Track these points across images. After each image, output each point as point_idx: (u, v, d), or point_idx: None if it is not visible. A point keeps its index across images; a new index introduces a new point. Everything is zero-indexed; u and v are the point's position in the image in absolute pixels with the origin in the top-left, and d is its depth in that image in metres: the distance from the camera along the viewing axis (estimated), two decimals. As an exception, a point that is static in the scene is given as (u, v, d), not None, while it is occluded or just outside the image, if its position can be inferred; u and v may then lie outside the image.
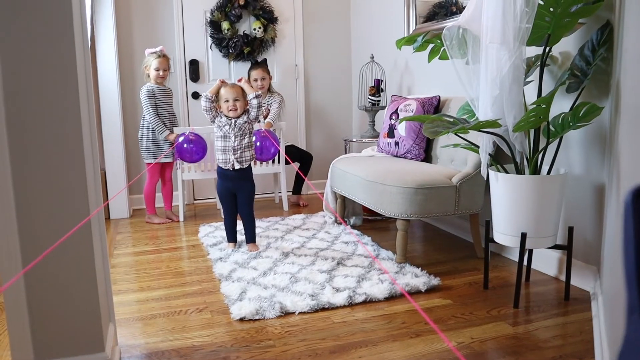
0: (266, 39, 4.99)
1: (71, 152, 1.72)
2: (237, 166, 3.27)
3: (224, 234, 3.53)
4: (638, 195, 0.33)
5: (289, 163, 4.54)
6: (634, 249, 0.32)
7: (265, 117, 4.54)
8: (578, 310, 2.38)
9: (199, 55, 4.94)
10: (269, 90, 4.70)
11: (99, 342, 1.84)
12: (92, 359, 1.82)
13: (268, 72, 4.65)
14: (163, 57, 4.22)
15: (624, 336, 0.34)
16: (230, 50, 4.90)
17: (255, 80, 4.55)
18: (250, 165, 3.34)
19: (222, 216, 3.45)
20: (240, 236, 3.53)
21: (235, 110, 3.23)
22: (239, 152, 3.27)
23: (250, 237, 3.40)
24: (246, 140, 3.29)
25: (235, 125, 3.25)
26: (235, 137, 3.25)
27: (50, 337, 1.78)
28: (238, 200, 3.36)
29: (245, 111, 3.28)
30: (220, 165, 3.31)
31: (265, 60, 4.77)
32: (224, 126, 3.25)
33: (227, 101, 3.22)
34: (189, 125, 4.89)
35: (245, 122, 3.27)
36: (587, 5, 2.26)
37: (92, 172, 1.85)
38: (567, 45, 2.61)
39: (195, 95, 4.93)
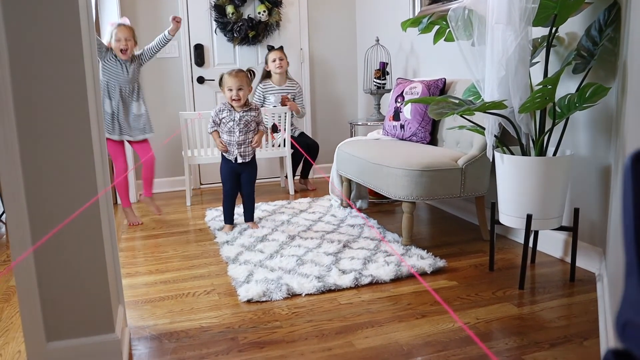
0: (271, 22, 4.97)
1: (79, 135, 1.73)
2: (239, 160, 3.33)
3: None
4: (637, 159, 0.34)
5: (297, 150, 4.55)
6: (633, 212, 0.33)
7: (284, 103, 4.61)
8: (583, 292, 2.39)
9: (204, 40, 4.93)
10: (286, 75, 4.74)
11: (109, 323, 1.87)
12: (102, 339, 1.85)
13: (285, 56, 4.69)
14: (122, 26, 3.68)
15: (622, 297, 0.35)
16: (235, 34, 4.89)
17: (274, 60, 4.59)
18: (253, 154, 3.40)
19: (223, 195, 3.49)
20: (239, 217, 3.61)
21: (239, 100, 3.24)
22: (242, 147, 3.32)
23: (251, 216, 3.50)
24: (250, 135, 3.33)
25: (240, 120, 3.28)
26: (240, 133, 3.29)
27: (61, 318, 1.81)
28: (242, 179, 3.43)
29: (252, 107, 3.31)
30: (224, 155, 3.36)
31: (281, 47, 4.78)
32: (228, 122, 3.28)
33: (230, 90, 3.23)
34: (194, 110, 4.90)
35: (252, 119, 3.30)
36: (594, -15, 2.24)
37: (99, 154, 1.87)
38: (574, 26, 2.59)
39: (201, 80, 4.93)
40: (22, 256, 1.70)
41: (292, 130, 4.69)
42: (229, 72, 3.28)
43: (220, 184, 4.99)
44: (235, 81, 3.23)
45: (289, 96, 4.65)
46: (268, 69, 4.67)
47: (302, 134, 4.83)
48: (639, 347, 0.33)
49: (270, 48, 4.73)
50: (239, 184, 3.44)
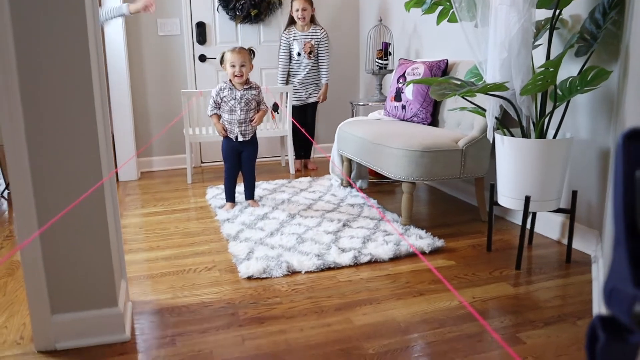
0: (273, 1, 4.94)
1: (84, 115, 1.75)
2: (240, 138, 3.35)
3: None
4: (629, 137, 0.36)
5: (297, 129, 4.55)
6: (622, 186, 0.35)
7: (308, 51, 4.56)
8: (578, 273, 2.43)
9: (206, 18, 4.90)
10: (313, 21, 4.64)
11: (112, 297, 1.90)
12: (105, 313, 1.89)
13: (311, 3, 4.57)
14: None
15: (610, 266, 0.37)
16: (237, 12, 4.86)
17: (297, 10, 4.53)
18: (254, 132, 3.41)
19: (225, 174, 3.51)
20: (239, 195, 3.64)
21: (241, 76, 3.25)
22: (243, 125, 3.34)
23: (251, 194, 3.54)
24: (251, 114, 3.35)
25: (241, 99, 3.31)
26: (241, 111, 3.31)
27: (65, 292, 1.85)
28: (243, 158, 3.46)
29: (252, 85, 3.32)
30: (233, 138, 3.39)
31: None
32: (229, 101, 3.30)
33: (233, 66, 3.24)
34: (196, 88, 4.89)
35: (253, 97, 3.31)
36: (598, -33, 2.24)
37: (103, 135, 1.88)
38: (578, 8, 2.58)
39: (202, 58, 4.92)
40: (28, 240, 1.73)
41: (304, 98, 4.69)
42: (231, 49, 3.28)
43: (222, 163, 5.02)
44: (239, 57, 3.24)
45: (313, 42, 4.58)
46: (292, 15, 4.61)
47: (312, 106, 4.80)
48: (622, 312, 0.35)
49: None
50: (239, 162, 3.46)
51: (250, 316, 2.07)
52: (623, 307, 0.36)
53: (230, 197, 3.51)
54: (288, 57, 4.62)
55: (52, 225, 1.77)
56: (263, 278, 2.41)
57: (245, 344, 1.88)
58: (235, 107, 3.31)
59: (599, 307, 1.94)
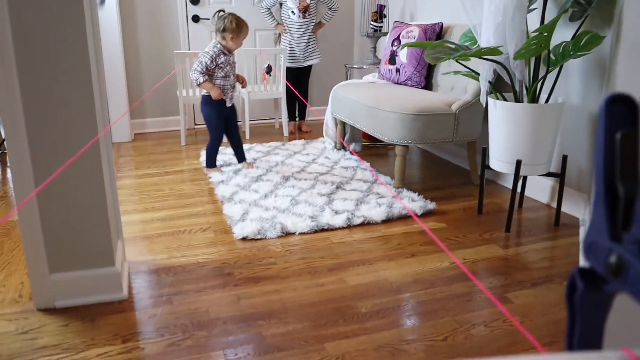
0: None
1: (79, 73, 1.75)
2: (228, 104, 3.41)
3: (225, 157, 3.68)
4: (611, 101, 0.39)
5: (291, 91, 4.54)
6: (603, 148, 0.38)
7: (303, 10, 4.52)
8: (566, 235, 2.48)
9: (198, -24, 4.82)
10: None
11: (109, 256, 1.94)
12: (103, 272, 1.93)
13: None
14: None
15: (590, 222, 0.40)
16: (231, -28, 4.78)
17: None
18: None
19: (211, 140, 3.51)
20: (232, 157, 3.66)
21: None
22: (232, 90, 3.46)
23: (244, 156, 3.59)
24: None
25: (234, 64, 3.41)
26: (232, 76, 3.41)
27: (63, 251, 1.88)
28: (229, 122, 3.49)
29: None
30: (214, 100, 3.38)
31: None
32: (225, 66, 3.32)
33: (243, 40, 3.37)
34: (189, 49, 4.85)
35: (235, 61, 3.44)
36: None
37: (98, 92, 1.88)
38: (574, -28, 2.57)
39: (196, 19, 4.86)
40: (24, 201, 1.75)
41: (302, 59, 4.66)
42: (242, 23, 3.30)
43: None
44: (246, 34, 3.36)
45: (308, 0, 4.50)
46: None
47: (307, 69, 4.77)
48: (599, 263, 0.38)
49: None
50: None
51: (246, 276, 2.12)
52: (600, 259, 0.39)
53: (214, 162, 3.53)
54: (277, 4, 4.59)
55: (49, 185, 1.78)
56: (257, 239, 2.45)
57: (240, 302, 1.93)
58: (229, 72, 3.36)
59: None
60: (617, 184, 0.38)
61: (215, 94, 3.33)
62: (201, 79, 3.29)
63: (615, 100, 0.38)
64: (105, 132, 1.90)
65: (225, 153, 3.83)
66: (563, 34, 2.58)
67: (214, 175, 3.39)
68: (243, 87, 3.57)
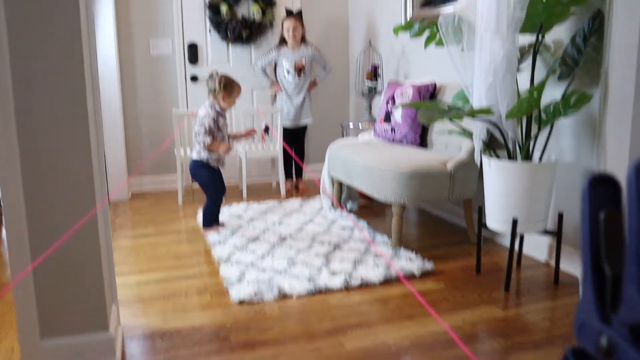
0: (264, 22, 5.00)
1: (78, 140, 1.77)
2: (223, 167, 3.51)
3: (222, 217, 3.68)
4: (594, 182, 0.39)
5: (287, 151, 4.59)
6: (588, 227, 0.38)
7: (298, 69, 4.67)
8: (566, 294, 2.46)
9: (198, 38, 4.95)
10: (303, 40, 4.71)
11: (103, 321, 1.90)
12: (96, 337, 1.89)
13: (301, 23, 4.66)
14: None
15: (579, 301, 0.40)
16: (229, 34, 4.91)
17: (288, 30, 4.60)
18: None
19: (213, 201, 3.53)
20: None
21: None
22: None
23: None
24: None
25: (228, 123, 3.52)
26: (227, 135, 3.50)
27: (56, 315, 1.84)
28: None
29: None
30: (214, 163, 3.44)
31: (300, 12, 4.72)
32: (223, 127, 3.46)
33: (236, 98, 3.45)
34: (187, 108, 4.92)
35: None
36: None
37: (97, 159, 1.90)
38: (560, 34, 2.65)
39: (194, 78, 4.96)
40: (20, 275, 1.73)
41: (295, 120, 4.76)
42: (234, 83, 3.39)
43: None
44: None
45: (303, 61, 4.65)
46: (283, 35, 4.67)
47: (303, 129, 4.87)
48: (591, 345, 0.38)
49: (288, 13, 4.67)
50: None
51: (242, 341, 2.07)
52: (590, 340, 0.38)
53: (218, 219, 3.54)
54: (272, 64, 4.73)
55: (44, 249, 1.77)
56: (254, 302, 2.42)
57: (236, 368, 1.88)
58: (225, 132, 3.40)
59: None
60: (603, 264, 0.38)
61: (224, 149, 3.37)
62: (208, 142, 3.34)
63: (598, 180, 0.39)
64: (102, 204, 1.91)
65: (223, 213, 3.82)
66: (552, 92, 2.63)
67: (210, 235, 3.38)
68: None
